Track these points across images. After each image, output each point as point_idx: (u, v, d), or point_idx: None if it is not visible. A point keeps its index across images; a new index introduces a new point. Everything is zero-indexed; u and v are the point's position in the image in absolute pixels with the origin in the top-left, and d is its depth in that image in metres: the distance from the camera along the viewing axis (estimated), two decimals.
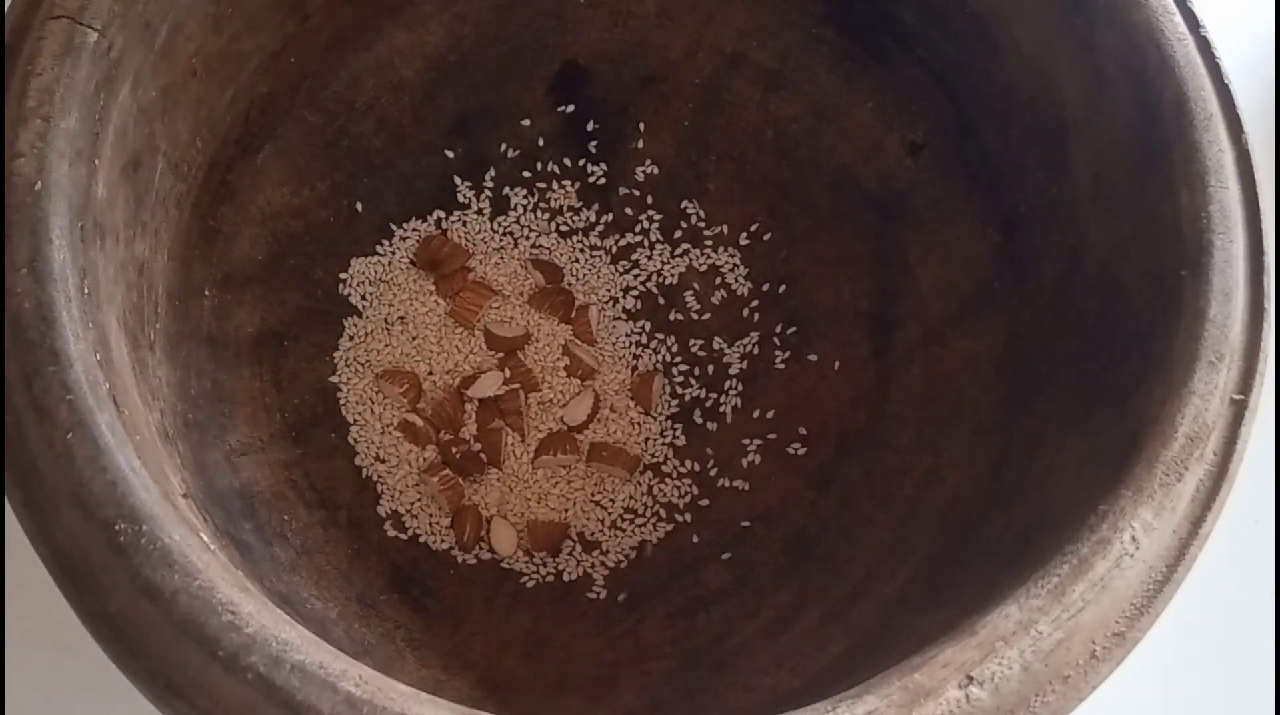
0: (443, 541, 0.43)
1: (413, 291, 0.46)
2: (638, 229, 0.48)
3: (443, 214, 0.47)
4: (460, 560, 0.43)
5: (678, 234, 0.48)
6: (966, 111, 0.43)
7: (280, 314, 0.44)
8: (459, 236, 0.47)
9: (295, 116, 0.44)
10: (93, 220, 0.32)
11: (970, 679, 0.28)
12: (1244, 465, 0.32)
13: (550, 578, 0.43)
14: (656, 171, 0.48)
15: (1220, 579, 0.40)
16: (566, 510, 0.44)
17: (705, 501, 0.44)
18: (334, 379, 0.44)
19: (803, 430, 0.45)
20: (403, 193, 0.47)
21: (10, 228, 0.30)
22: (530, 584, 0.43)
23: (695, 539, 0.44)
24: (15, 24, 0.33)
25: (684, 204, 0.48)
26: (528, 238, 0.47)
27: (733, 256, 0.47)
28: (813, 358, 0.46)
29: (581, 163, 0.48)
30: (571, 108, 0.48)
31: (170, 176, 0.38)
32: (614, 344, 0.46)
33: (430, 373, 0.45)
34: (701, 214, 0.48)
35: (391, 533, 0.43)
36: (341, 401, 0.44)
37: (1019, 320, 0.41)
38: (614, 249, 0.48)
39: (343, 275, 0.46)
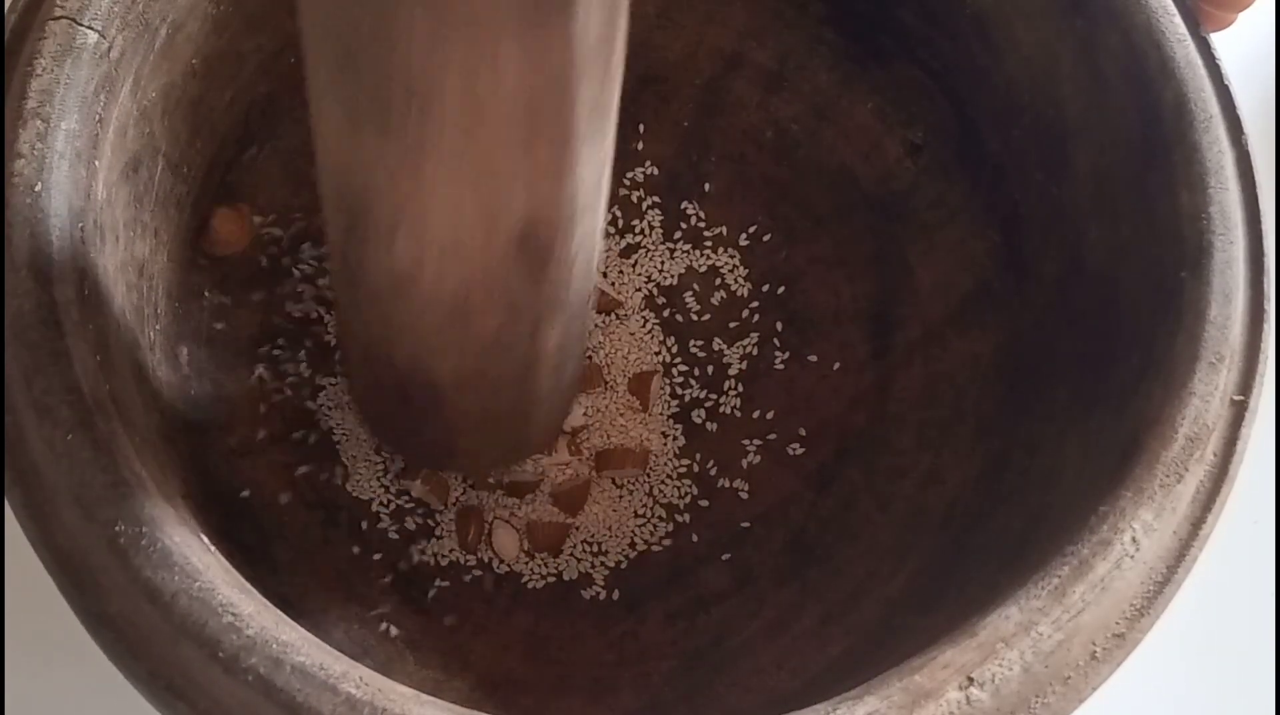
0: (443, 543, 0.43)
1: None
2: (637, 229, 0.48)
3: None
4: (461, 561, 0.43)
5: (678, 234, 0.48)
6: (966, 112, 0.43)
7: (280, 314, 0.44)
8: None
9: (295, 117, 0.44)
10: (93, 221, 0.32)
11: (971, 680, 0.28)
12: (1244, 466, 0.32)
13: (550, 578, 0.43)
14: (656, 172, 0.48)
15: (1220, 580, 0.40)
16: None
17: (705, 502, 0.44)
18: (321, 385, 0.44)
19: (802, 431, 0.45)
20: None
21: (10, 229, 0.30)
22: (530, 585, 0.43)
23: (695, 539, 0.44)
24: (15, 25, 0.33)
25: (684, 204, 0.48)
26: None
27: (732, 257, 0.47)
28: (812, 358, 0.46)
29: None
30: None
31: (170, 177, 0.38)
32: None
33: None
34: (701, 214, 0.48)
35: (392, 534, 0.43)
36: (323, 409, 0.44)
37: (1019, 321, 0.41)
38: (614, 249, 0.47)
39: None
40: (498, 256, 0.29)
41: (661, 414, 0.45)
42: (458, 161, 0.26)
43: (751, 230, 0.47)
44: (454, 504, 0.43)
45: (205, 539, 0.29)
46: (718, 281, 0.47)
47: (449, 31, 0.23)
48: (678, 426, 0.45)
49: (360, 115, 0.26)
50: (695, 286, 0.47)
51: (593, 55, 0.24)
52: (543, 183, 0.28)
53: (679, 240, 0.48)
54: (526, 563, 0.43)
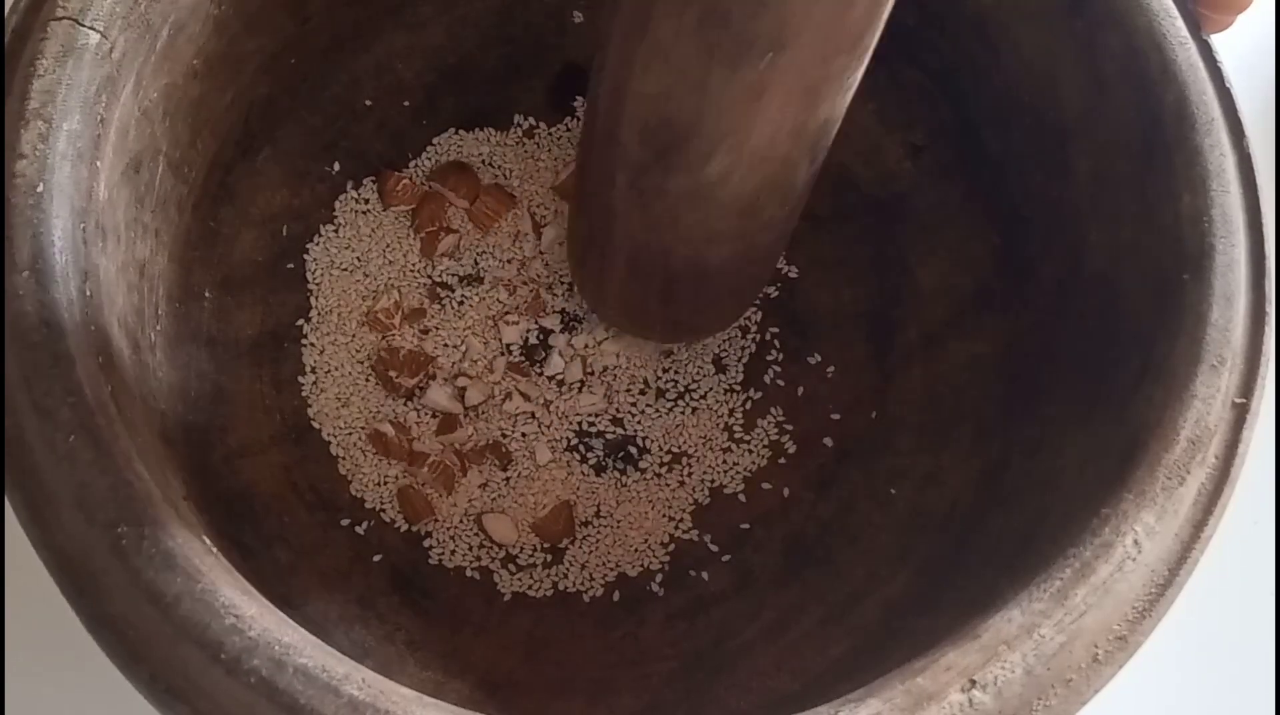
0: (443, 544, 0.43)
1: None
2: None
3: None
4: (462, 561, 0.43)
5: None
6: (967, 114, 0.43)
7: (280, 315, 0.44)
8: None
9: (295, 118, 0.44)
10: (94, 222, 0.32)
11: (973, 682, 0.28)
12: (1245, 467, 0.32)
13: (550, 580, 0.43)
14: None
15: (1221, 580, 0.40)
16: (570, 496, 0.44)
17: (705, 503, 0.44)
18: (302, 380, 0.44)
19: (802, 432, 0.45)
20: None
21: (12, 229, 0.30)
22: (530, 586, 0.43)
23: (695, 540, 0.44)
24: (17, 25, 0.33)
25: None
26: None
27: None
28: (812, 360, 0.46)
29: None
30: (574, 110, 0.48)
31: (171, 178, 0.38)
32: None
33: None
34: None
35: (392, 535, 0.43)
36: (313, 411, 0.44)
37: (1019, 323, 0.41)
38: None
39: None
40: (795, 160, 0.34)
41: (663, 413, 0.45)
42: (792, 92, 0.31)
43: None
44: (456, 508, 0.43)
45: (207, 540, 0.29)
46: None
47: None
48: (678, 426, 0.45)
49: (715, 57, 0.30)
50: None
51: None
52: (842, 98, 0.33)
53: None
54: (530, 555, 0.43)
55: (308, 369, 0.44)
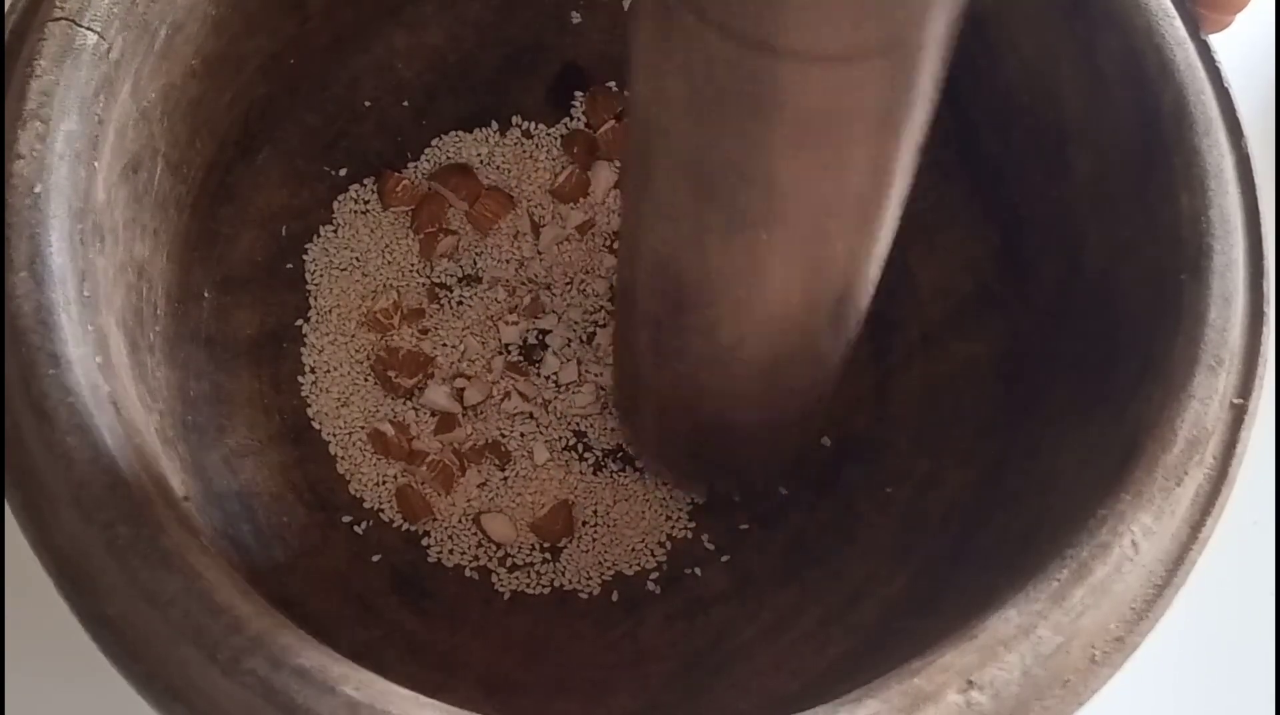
0: (441, 543, 0.43)
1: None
2: None
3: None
4: (460, 560, 0.43)
5: None
6: (966, 114, 0.43)
7: (279, 315, 0.44)
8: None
9: (295, 118, 0.44)
10: (92, 222, 0.32)
11: (970, 683, 0.28)
12: (1244, 467, 0.32)
13: (549, 580, 0.43)
14: None
15: (1219, 581, 0.40)
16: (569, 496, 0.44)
17: (703, 503, 0.44)
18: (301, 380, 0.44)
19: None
20: None
21: (10, 230, 0.30)
22: (529, 586, 0.43)
23: (693, 541, 0.44)
24: (15, 26, 0.33)
25: None
26: None
27: None
28: None
29: None
30: (574, 114, 0.48)
31: (170, 178, 0.38)
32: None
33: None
34: None
35: (391, 535, 0.43)
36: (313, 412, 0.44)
37: (1018, 323, 0.41)
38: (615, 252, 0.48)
39: None
40: (814, 327, 0.33)
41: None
42: (795, 266, 0.30)
43: None
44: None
45: (204, 540, 0.29)
46: None
47: (806, 152, 0.26)
48: None
49: (708, 226, 0.29)
50: None
51: (915, 141, 0.27)
52: (860, 261, 0.31)
53: None
54: (527, 554, 0.43)
55: (307, 369, 0.44)
